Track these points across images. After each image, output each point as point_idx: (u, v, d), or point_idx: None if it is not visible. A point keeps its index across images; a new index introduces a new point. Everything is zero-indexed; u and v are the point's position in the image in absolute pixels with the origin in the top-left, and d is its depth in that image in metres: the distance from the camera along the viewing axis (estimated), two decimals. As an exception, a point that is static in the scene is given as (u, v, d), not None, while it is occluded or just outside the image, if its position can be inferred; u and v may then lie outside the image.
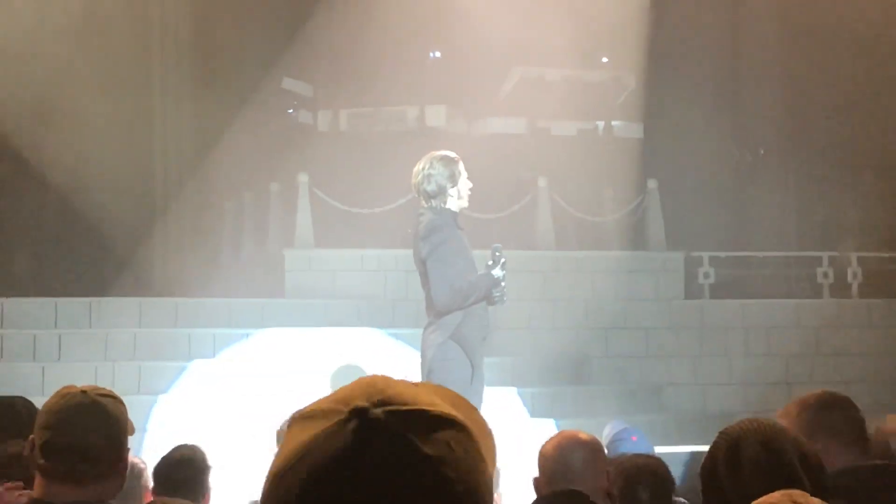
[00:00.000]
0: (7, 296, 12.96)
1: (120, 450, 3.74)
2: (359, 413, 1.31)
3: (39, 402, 4.03)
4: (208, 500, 5.66)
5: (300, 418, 1.36)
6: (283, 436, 1.38)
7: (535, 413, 12.47)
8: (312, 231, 14.63)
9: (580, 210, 15.95)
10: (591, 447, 4.40)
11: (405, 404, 1.33)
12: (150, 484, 5.39)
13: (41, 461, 3.64)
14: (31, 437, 3.75)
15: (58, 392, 3.82)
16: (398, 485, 1.29)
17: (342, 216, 15.04)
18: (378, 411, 1.32)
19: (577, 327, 14.37)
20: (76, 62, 14.93)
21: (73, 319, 12.73)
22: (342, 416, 1.31)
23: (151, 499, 5.03)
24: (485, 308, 7.83)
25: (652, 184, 16.03)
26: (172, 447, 5.75)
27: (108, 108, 15.10)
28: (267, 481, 1.34)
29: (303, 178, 14.85)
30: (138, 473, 5.28)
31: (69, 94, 14.93)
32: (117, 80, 15.42)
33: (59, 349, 12.28)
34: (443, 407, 1.36)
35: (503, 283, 7.81)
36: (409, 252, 14.85)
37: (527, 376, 13.19)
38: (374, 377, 1.38)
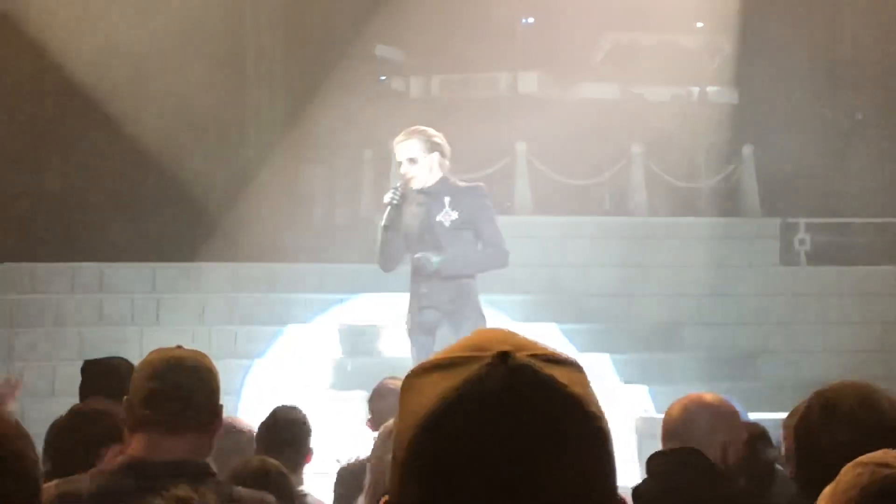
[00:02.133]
0: (106, 261, 13.14)
1: (217, 403, 3.83)
2: (504, 357, 1.35)
3: (138, 365, 4.13)
4: (309, 460, 5.72)
5: (434, 367, 1.38)
6: (411, 387, 1.38)
7: (627, 380, 12.44)
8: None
9: (673, 176, 15.83)
10: (720, 411, 4.37)
11: (537, 349, 1.38)
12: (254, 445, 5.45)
13: (144, 412, 3.70)
14: (127, 397, 3.82)
15: (153, 351, 3.92)
16: (554, 424, 1.34)
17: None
18: (521, 355, 1.36)
19: (670, 294, 14.29)
20: (169, 27, 15.06)
21: (170, 284, 12.89)
22: (487, 361, 1.35)
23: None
24: (415, 278, 8.19)
25: (747, 149, 15.86)
26: (274, 408, 5.81)
27: (202, 72, 15.22)
28: (407, 429, 1.35)
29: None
30: (244, 433, 5.35)
31: (163, 58, 15.08)
32: (211, 46, 15.53)
33: (157, 313, 12.45)
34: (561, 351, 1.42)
35: (389, 208, 8.06)
36: (501, 219, 14.87)
37: (619, 343, 13.16)
38: (495, 328, 1.42)
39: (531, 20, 16.59)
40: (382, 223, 8.12)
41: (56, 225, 15.09)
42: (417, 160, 8.09)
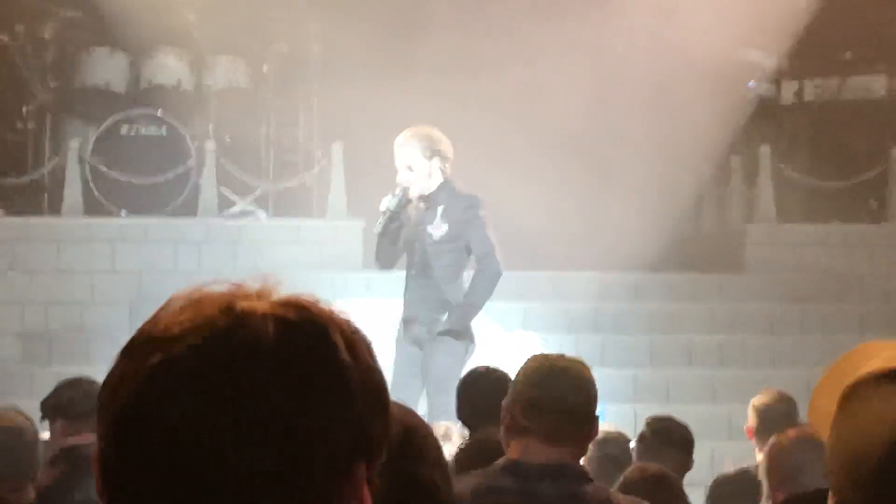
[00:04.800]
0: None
1: (594, 413, 3.84)
2: None
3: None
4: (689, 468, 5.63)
5: (888, 378, 1.30)
6: (860, 399, 1.31)
7: None
8: (774, 204, 14.34)
9: None
10: None
11: None
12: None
13: (524, 421, 3.74)
14: (507, 401, 3.86)
15: (536, 357, 3.97)
16: None
17: (806, 189, 14.66)
18: None
19: None
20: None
21: (537, 292, 12.97)
22: None
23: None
24: (408, 282, 8.14)
25: None
26: (654, 416, 5.76)
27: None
28: (874, 441, 1.28)
29: (764, 151, 14.59)
30: (623, 443, 5.36)
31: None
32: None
33: (524, 321, 12.55)
34: None
35: (386, 215, 8.12)
36: (879, 227, 14.27)
37: None
38: None
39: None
40: (375, 230, 8.16)
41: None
42: (413, 167, 8.02)
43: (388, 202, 8.14)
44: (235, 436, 1.28)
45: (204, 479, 1.28)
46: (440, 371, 7.78)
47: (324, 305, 1.38)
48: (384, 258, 8.34)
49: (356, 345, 1.37)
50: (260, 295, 1.37)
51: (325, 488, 1.32)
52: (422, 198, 8.13)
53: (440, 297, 8.04)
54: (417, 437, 2.23)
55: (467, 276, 8.31)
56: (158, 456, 1.29)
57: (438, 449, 2.25)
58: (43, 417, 5.93)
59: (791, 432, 3.91)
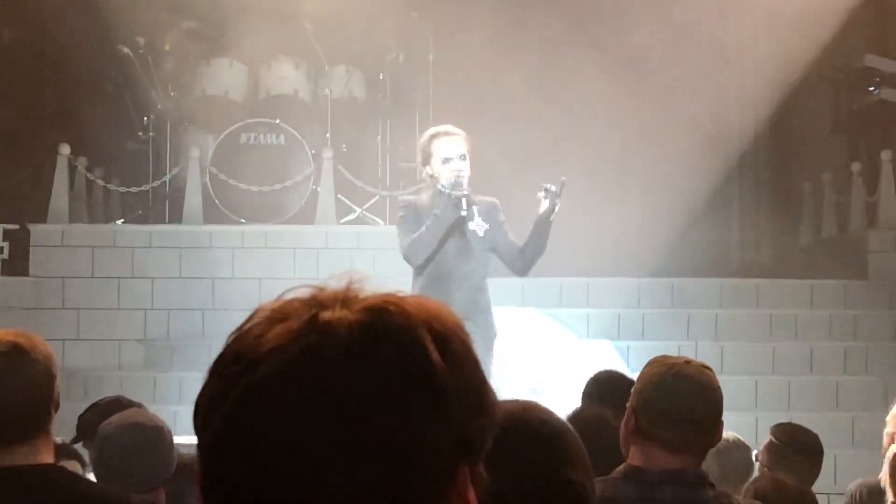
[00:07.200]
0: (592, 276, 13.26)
1: (720, 420, 3.80)
2: None
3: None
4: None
5: None
6: None
7: None
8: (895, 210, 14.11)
9: None
10: None
11: None
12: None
13: (651, 429, 3.71)
14: (631, 404, 3.83)
15: (660, 360, 3.87)
16: None
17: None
18: None
19: None
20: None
21: (656, 299, 12.89)
22: None
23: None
24: (441, 284, 7.51)
25: None
26: (779, 423, 5.67)
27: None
28: None
29: (885, 157, 14.35)
30: (745, 451, 5.29)
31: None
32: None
33: (643, 328, 12.49)
34: None
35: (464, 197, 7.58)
36: None
37: None
38: None
39: None
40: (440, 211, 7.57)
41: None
42: (467, 158, 7.69)
43: (460, 186, 7.66)
44: (333, 452, 1.26)
45: (304, 498, 1.27)
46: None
47: (412, 302, 1.34)
48: (431, 250, 7.69)
49: (449, 342, 1.32)
50: (345, 301, 1.34)
51: (429, 495, 1.29)
52: (457, 195, 7.69)
53: (485, 300, 7.76)
54: (567, 440, 2.30)
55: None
56: (256, 478, 1.28)
57: (584, 452, 2.31)
58: (78, 439, 5.54)
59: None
